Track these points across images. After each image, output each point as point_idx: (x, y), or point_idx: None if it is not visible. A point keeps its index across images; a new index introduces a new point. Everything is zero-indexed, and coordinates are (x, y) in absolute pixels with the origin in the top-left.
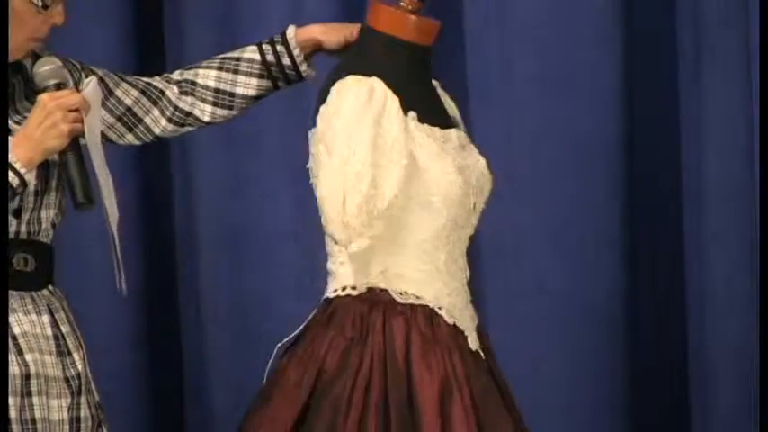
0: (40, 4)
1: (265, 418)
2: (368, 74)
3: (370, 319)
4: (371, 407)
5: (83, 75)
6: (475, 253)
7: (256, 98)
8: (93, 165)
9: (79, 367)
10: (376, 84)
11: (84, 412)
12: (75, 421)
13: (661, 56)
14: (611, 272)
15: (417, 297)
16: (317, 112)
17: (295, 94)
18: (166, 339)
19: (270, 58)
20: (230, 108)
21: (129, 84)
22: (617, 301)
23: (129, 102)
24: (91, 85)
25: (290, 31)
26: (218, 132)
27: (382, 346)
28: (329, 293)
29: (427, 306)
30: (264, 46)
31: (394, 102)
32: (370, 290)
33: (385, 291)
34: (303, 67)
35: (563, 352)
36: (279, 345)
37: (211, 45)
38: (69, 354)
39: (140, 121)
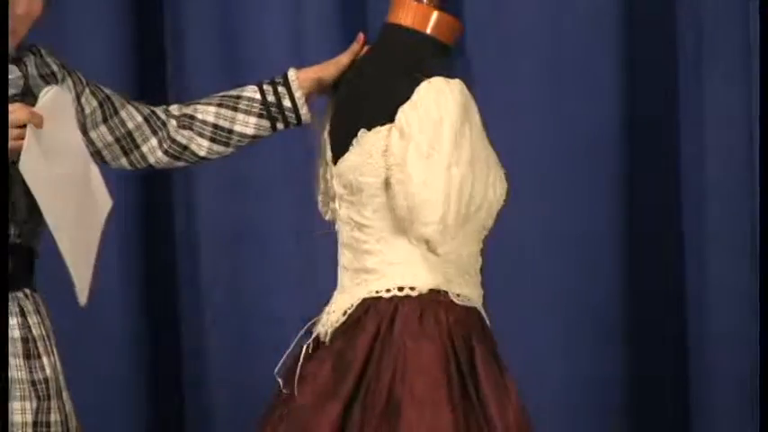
0: None
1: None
2: (446, 75)
3: (434, 319)
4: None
5: (86, 89)
6: None
7: (253, 137)
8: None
9: (47, 372)
10: (463, 86)
11: (54, 417)
12: (42, 425)
13: (661, 56)
14: (611, 272)
15: (469, 300)
16: (384, 110)
17: None
18: (166, 339)
19: (270, 98)
20: (227, 145)
21: (135, 108)
22: (617, 301)
23: (131, 125)
24: (48, 96)
25: (292, 74)
26: None
27: (450, 345)
28: (370, 293)
29: (475, 308)
30: (265, 86)
31: (474, 105)
32: (431, 291)
33: (445, 293)
34: (303, 110)
35: (562, 351)
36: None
37: (212, 52)
38: (38, 357)
39: (137, 147)
